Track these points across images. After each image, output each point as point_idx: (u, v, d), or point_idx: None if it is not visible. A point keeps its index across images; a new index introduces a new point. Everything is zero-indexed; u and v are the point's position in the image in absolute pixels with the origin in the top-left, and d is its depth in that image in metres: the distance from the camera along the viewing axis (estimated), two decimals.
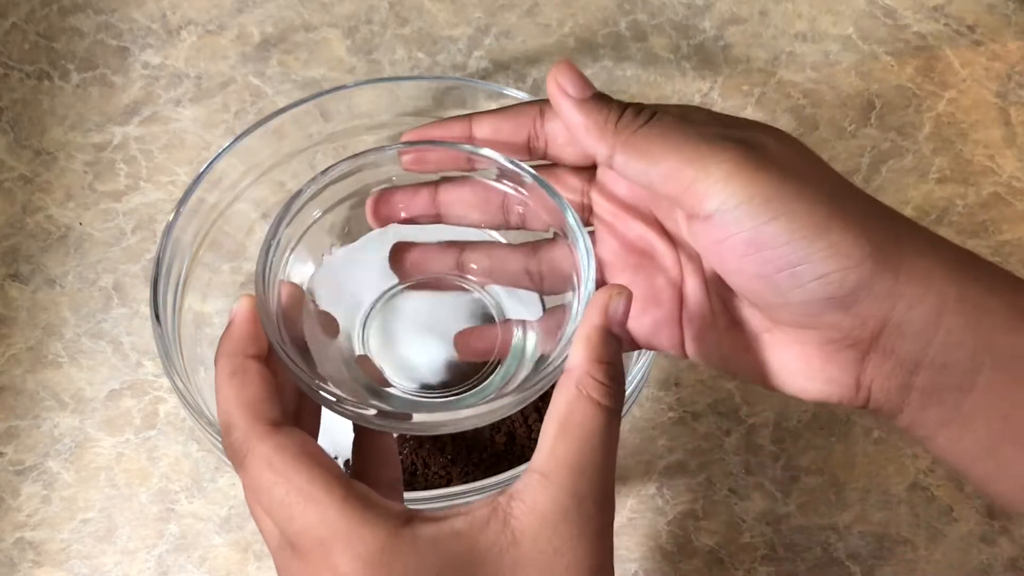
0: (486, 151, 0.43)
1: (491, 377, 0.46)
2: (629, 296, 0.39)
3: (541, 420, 0.60)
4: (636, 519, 0.60)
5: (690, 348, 0.43)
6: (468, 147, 0.44)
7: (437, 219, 0.45)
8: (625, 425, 0.62)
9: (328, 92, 0.61)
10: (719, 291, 0.41)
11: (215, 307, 0.62)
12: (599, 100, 0.41)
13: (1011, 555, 0.59)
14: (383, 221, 0.45)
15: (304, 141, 0.62)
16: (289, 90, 0.75)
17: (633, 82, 0.75)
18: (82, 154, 0.72)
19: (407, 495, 0.52)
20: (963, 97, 0.74)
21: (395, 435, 0.60)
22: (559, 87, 0.41)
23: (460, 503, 0.51)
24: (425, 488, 0.58)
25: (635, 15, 0.78)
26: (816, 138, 0.73)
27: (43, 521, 0.60)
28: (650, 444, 0.62)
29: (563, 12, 0.78)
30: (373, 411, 0.40)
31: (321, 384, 0.40)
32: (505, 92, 0.59)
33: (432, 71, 0.76)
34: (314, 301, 0.46)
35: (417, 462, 0.59)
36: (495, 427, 0.59)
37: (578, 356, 0.38)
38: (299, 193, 0.44)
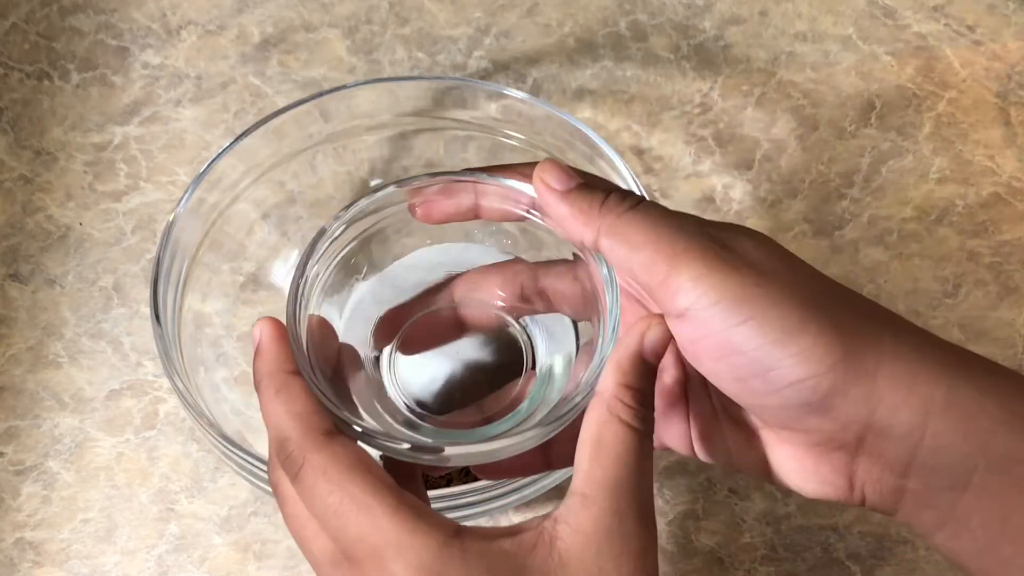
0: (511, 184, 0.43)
1: (521, 404, 0.46)
2: (666, 329, 0.38)
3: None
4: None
5: (697, 446, 0.43)
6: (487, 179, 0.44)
7: (477, 215, 0.45)
8: None
9: (328, 92, 0.61)
10: (718, 389, 0.41)
11: (215, 307, 0.62)
12: (584, 188, 0.40)
13: None
14: (427, 218, 0.45)
15: (304, 141, 0.62)
16: (289, 90, 0.75)
17: (633, 82, 0.75)
18: (82, 154, 0.72)
19: None
20: (963, 97, 0.74)
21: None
22: (544, 184, 0.41)
23: (460, 503, 0.51)
24: (425, 488, 0.58)
25: (635, 15, 0.78)
26: (816, 138, 0.73)
27: (43, 521, 0.60)
28: None
29: (563, 12, 0.78)
30: (406, 445, 0.40)
31: (351, 418, 0.40)
32: (505, 92, 0.59)
33: (432, 71, 0.76)
34: (339, 333, 0.47)
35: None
36: None
37: (609, 380, 0.38)
38: (324, 231, 0.44)
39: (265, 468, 0.51)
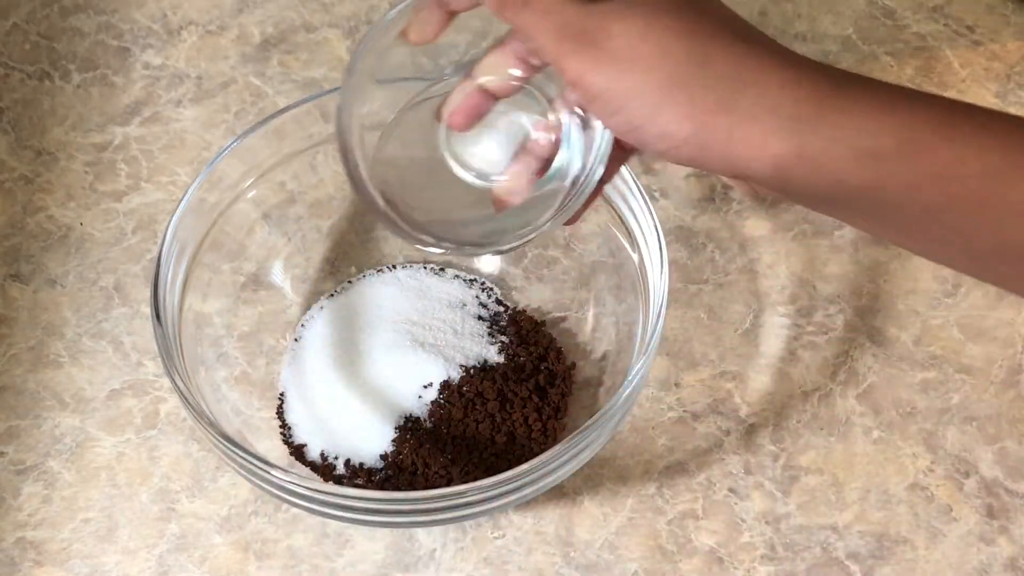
0: None
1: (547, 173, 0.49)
2: None
3: (541, 420, 0.60)
4: (636, 519, 0.60)
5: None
6: None
7: None
8: (625, 425, 0.62)
9: (328, 92, 0.61)
10: None
11: (215, 307, 0.62)
12: None
13: (1010, 555, 0.59)
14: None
15: (304, 141, 0.62)
16: (290, 90, 0.75)
17: None
18: (83, 154, 0.72)
19: (406, 495, 0.52)
20: (963, 97, 0.74)
21: (397, 433, 0.60)
22: None
23: (460, 502, 0.51)
24: (425, 488, 0.58)
25: None
26: None
27: (44, 521, 0.60)
28: (650, 444, 0.62)
29: None
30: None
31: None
32: None
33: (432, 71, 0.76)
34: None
35: (417, 462, 0.59)
36: (495, 427, 0.59)
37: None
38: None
39: (265, 468, 0.51)
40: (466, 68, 0.48)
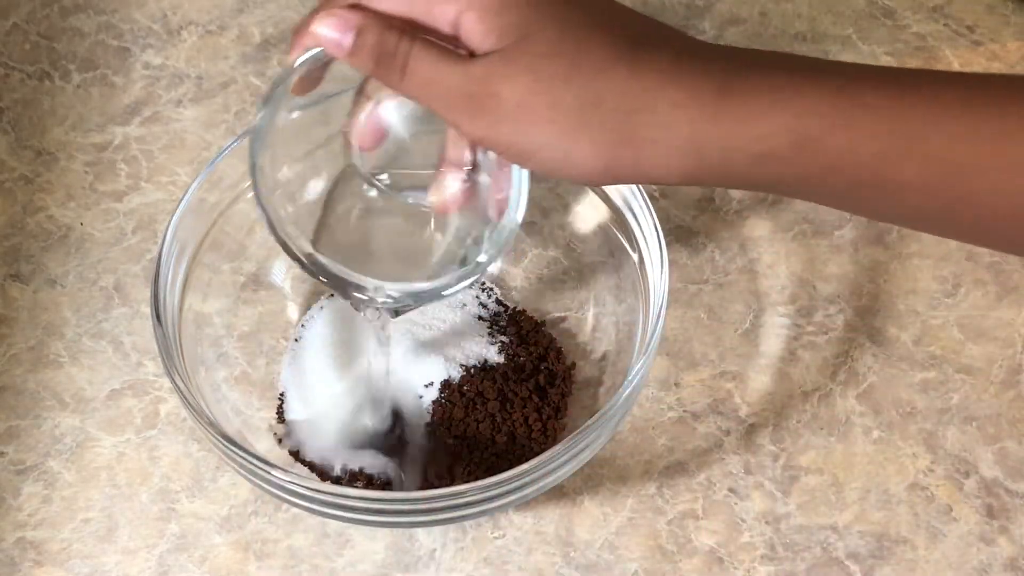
0: None
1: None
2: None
3: (541, 420, 0.60)
4: (636, 519, 0.60)
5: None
6: None
7: None
8: (625, 425, 0.62)
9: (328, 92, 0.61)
10: None
11: (215, 307, 0.62)
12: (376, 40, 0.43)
13: (1010, 555, 0.59)
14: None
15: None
16: None
17: None
18: (83, 154, 0.72)
19: (406, 495, 0.52)
20: None
21: (388, 432, 0.60)
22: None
23: (460, 502, 0.51)
24: (427, 487, 0.58)
25: None
26: None
27: (44, 521, 0.60)
28: (650, 444, 0.62)
29: None
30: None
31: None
32: None
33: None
34: None
35: (417, 462, 0.59)
36: (496, 427, 0.59)
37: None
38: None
39: (265, 468, 0.51)
40: (360, 87, 0.47)
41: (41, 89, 0.75)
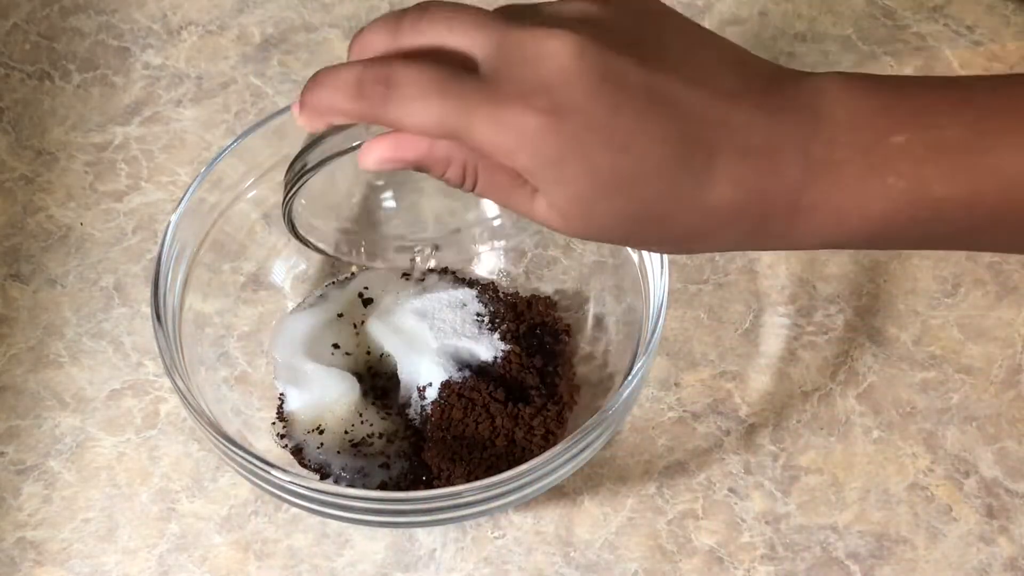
0: None
1: None
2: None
3: (541, 420, 0.60)
4: (636, 519, 0.60)
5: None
6: None
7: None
8: (625, 425, 0.62)
9: None
10: None
11: (215, 307, 0.62)
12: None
13: (1010, 555, 0.59)
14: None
15: (304, 141, 0.62)
16: (290, 90, 0.75)
17: None
18: (83, 154, 0.72)
19: (406, 495, 0.52)
20: None
21: (388, 432, 0.60)
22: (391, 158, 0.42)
23: (460, 502, 0.51)
24: (427, 487, 0.58)
25: None
26: None
27: (44, 521, 0.60)
28: (650, 444, 0.62)
29: None
30: None
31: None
32: None
33: None
34: None
35: (417, 462, 0.59)
36: (495, 427, 0.59)
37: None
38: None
39: (265, 468, 0.51)
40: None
41: (41, 89, 0.75)
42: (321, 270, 0.66)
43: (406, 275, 0.65)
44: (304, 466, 0.60)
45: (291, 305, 0.65)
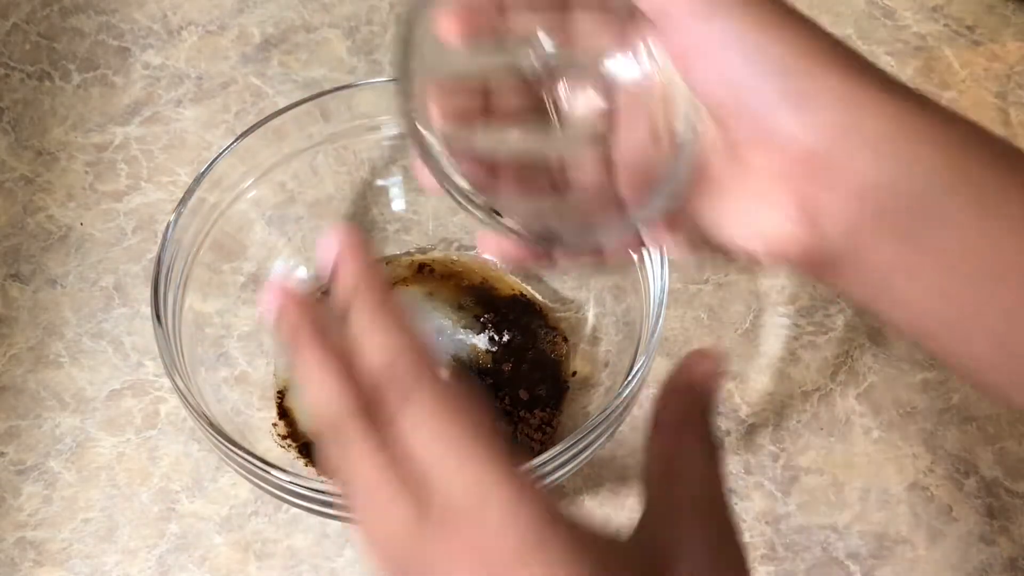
0: None
1: None
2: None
3: (541, 420, 0.60)
4: (636, 519, 0.60)
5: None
6: None
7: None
8: (625, 425, 0.62)
9: (329, 92, 0.61)
10: None
11: (215, 307, 0.62)
12: None
13: (1010, 555, 0.59)
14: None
15: (305, 141, 0.62)
16: (290, 90, 0.75)
17: None
18: (83, 154, 0.72)
19: None
20: (963, 97, 0.74)
21: None
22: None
23: None
24: None
25: None
26: None
27: (44, 521, 0.60)
28: None
29: None
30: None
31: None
32: None
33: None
34: None
35: None
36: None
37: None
38: None
39: (265, 468, 0.51)
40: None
41: (41, 89, 0.75)
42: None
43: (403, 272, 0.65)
44: (305, 466, 0.60)
45: None
